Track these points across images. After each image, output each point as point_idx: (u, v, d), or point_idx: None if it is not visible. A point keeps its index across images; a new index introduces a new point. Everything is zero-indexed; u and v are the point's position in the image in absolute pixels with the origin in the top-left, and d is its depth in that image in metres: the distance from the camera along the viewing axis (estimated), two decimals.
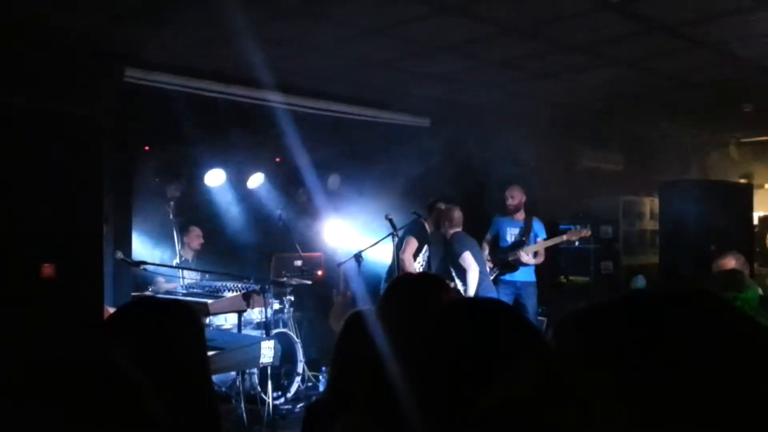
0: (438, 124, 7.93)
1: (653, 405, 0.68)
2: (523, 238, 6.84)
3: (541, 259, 6.83)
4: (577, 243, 7.48)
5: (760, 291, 4.16)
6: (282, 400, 6.09)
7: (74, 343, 3.37)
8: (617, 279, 9.02)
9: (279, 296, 6.51)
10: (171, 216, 6.79)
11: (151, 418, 0.90)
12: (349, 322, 2.28)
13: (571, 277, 8.89)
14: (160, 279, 6.34)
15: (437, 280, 2.35)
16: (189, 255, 6.89)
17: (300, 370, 6.32)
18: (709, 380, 0.68)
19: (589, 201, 9.26)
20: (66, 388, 0.83)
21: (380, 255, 6.81)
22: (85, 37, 5.41)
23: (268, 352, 4.65)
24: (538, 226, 6.95)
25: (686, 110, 8.77)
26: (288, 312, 6.65)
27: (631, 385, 0.70)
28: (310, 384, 6.55)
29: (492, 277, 6.66)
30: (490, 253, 6.94)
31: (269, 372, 5.31)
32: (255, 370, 5.54)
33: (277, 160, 7.49)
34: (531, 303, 6.77)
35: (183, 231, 6.89)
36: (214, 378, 5.27)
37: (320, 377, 6.57)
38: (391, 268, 6.45)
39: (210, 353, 4.01)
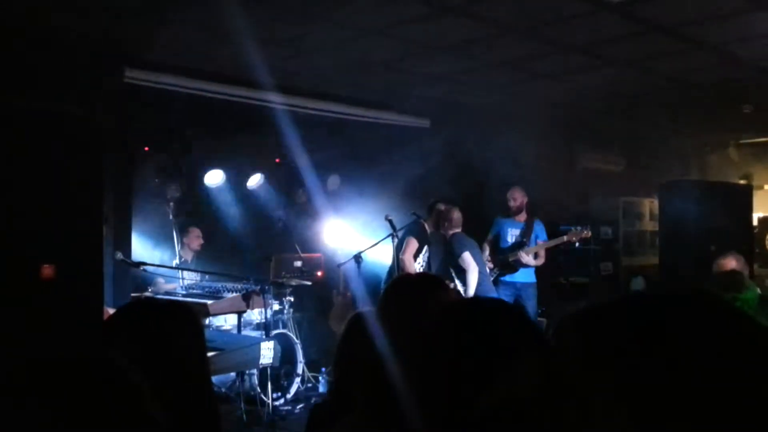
0: (438, 124, 7.93)
1: (653, 405, 0.68)
2: (524, 239, 6.84)
3: (541, 260, 6.83)
4: (577, 244, 7.48)
5: (759, 291, 4.16)
6: (282, 401, 6.09)
7: (74, 343, 3.37)
8: (617, 280, 9.02)
9: (279, 297, 6.50)
10: (171, 216, 6.79)
11: (149, 418, 0.90)
12: (351, 323, 2.28)
13: (571, 278, 8.89)
14: (160, 280, 6.34)
15: (436, 280, 2.35)
16: (189, 256, 6.88)
17: (300, 371, 6.31)
18: (708, 380, 0.68)
19: (589, 202, 9.26)
20: (65, 388, 0.83)
21: (380, 256, 6.82)
22: (85, 38, 5.41)
23: (267, 352, 4.66)
24: (539, 228, 6.95)
25: (686, 111, 8.77)
26: (288, 313, 6.65)
27: (631, 384, 0.70)
28: (309, 385, 6.55)
29: (492, 278, 6.66)
30: (491, 254, 6.94)
31: (269, 373, 5.31)
32: (255, 371, 5.54)
33: (277, 160, 7.49)
34: (531, 304, 6.76)
35: (183, 232, 6.89)
36: (214, 379, 5.26)
37: (320, 378, 6.57)
38: (391, 269, 6.45)
39: (210, 354, 4.00)
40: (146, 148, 6.60)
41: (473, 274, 6.10)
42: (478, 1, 4.83)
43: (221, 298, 5.60)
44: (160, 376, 1.63)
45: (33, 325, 3.56)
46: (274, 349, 4.77)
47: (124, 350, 1.66)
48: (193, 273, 6.57)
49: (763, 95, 7.66)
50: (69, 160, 3.94)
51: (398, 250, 6.30)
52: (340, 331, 2.37)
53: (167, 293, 6.09)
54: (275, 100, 6.35)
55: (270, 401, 5.37)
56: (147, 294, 5.99)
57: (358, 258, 6.15)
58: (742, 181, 10.76)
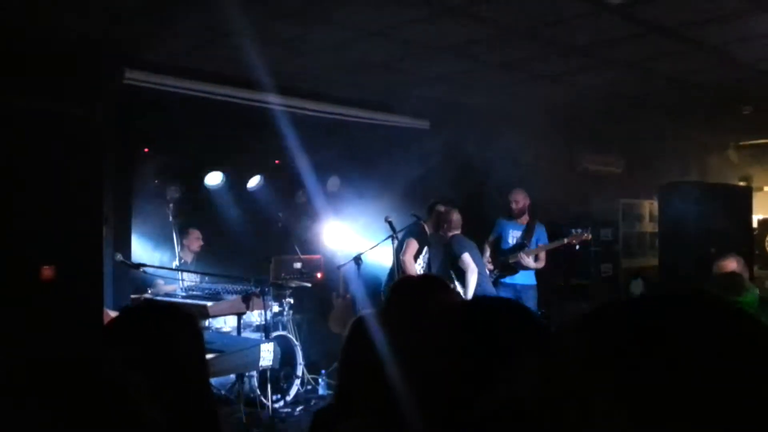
0: (438, 126, 7.94)
1: (653, 405, 0.68)
2: (524, 242, 6.84)
3: (542, 263, 6.82)
4: (577, 246, 7.49)
5: (758, 292, 4.16)
6: (281, 403, 6.08)
7: (74, 344, 3.37)
8: (617, 281, 9.02)
9: (278, 299, 6.50)
10: (170, 218, 6.78)
11: (147, 419, 0.90)
12: (354, 326, 2.28)
13: (571, 280, 8.89)
14: (160, 281, 6.33)
15: (439, 281, 2.36)
16: (188, 257, 6.88)
17: (299, 373, 6.31)
18: (709, 380, 0.68)
19: (589, 203, 9.27)
20: (64, 388, 0.83)
21: (380, 257, 6.82)
22: (86, 39, 5.41)
23: (267, 354, 4.66)
24: (540, 230, 6.95)
25: (686, 112, 8.77)
26: (287, 315, 6.64)
27: (631, 385, 0.70)
28: (309, 387, 6.54)
29: (492, 279, 6.66)
30: (491, 255, 6.95)
31: (268, 375, 5.31)
32: (254, 373, 5.53)
33: (277, 162, 7.49)
34: (531, 306, 6.76)
35: (182, 233, 6.89)
36: (214, 381, 5.27)
37: (320, 380, 6.57)
38: (391, 271, 6.45)
39: (209, 356, 4.01)
40: (146, 149, 6.60)
41: (472, 276, 6.10)
42: (478, 2, 4.83)
43: (221, 299, 5.60)
44: (160, 379, 1.63)
45: (33, 326, 3.56)
46: (274, 351, 4.77)
47: (123, 353, 1.66)
48: (192, 274, 6.57)
49: (763, 96, 7.67)
50: (69, 160, 3.94)
51: (398, 251, 6.31)
52: (344, 334, 2.37)
53: (167, 295, 6.08)
54: (275, 101, 6.35)
55: (270, 403, 5.37)
56: (146, 295, 5.99)
57: (357, 260, 6.16)
58: (741, 183, 10.77)
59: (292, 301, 6.70)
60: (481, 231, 7.03)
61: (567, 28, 5.38)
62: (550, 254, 7.01)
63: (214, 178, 7.15)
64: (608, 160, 10.06)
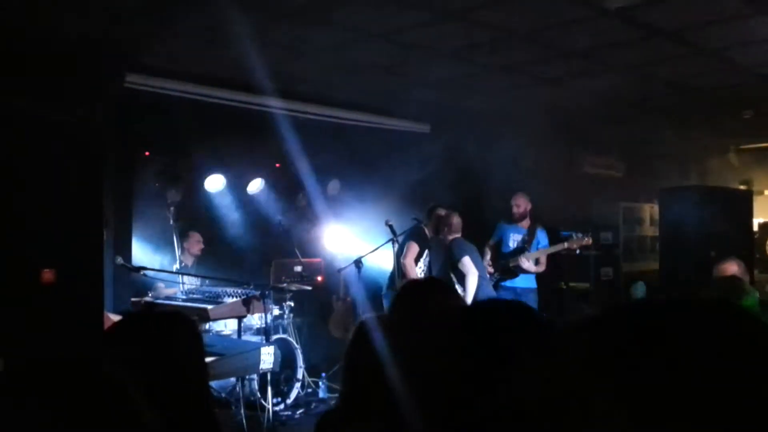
0: (438, 129, 7.94)
1: (654, 405, 0.68)
2: (525, 245, 6.84)
3: (542, 267, 6.82)
4: (578, 251, 7.49)
5: (758, 296, 4.16)
6: (282, 406, 6.08)
7: (74, 347, 3.37)
8: (617, 285, 9.02)
9: (279, 302, 6.50)
10: (171, 221, 6.78)
11: (145, 420, 0.90)
12: (358, 330, 2.29)
13: (571, 283, 8.89)
14: (160, 284, 6.33)
15: (444, 285, 2.36)
16: (189, 261, 6.88)
17: (300, 376, 6.30)
18: (709, 380, 0.68)
19: (590, 207, 9.27)
20: (61, 389, 0.83)
21: (380, 261, 6.82)
22: (86, 42, 5.42)
23: (267, 357, 4.65)
24: (541, 235, 6.95)
25: (686, 116, 8.78)
26: (288, 318, 6.64)
27: (631, 385, 0.71)
28: (310, 390, 6.54)
29: (492, 283, 6.66)
30: (492, 259, 6.95)
31: (269, 378, 5.30)
32: (255, 376, 5.53)
33: (277, 165, 7.49)
34: None
35: (183, 236, 6.88)
36: (214, 384, 5.26)
37: (320, 383, 6.56)
38: (392, 274, 6.45)
39: (210, 359, 4.00)
40: (146, 153, 6.61)
41: (472, 279, 6.10)
42: (479, 6, 4.84)
43: (221, 303, 5.59)
44: (160, 381, 1.64)
45: (34, 329, 3.56)
46: (274, 354, 4.76)
47: (124, 357, 1.66)
48: (193, 278, 6.57)
49: (763, 100, 7.68)
50: (69, 163, 3.94)
51: (399, 254, 6.31)
52: (348, 337, 2.37)
53: (167, 298, 6.08)
54: (275, 104, 6.36)
55: (270, 406, 5.36)
56: (147, 299, 5.99)
57: (358, 263, 6.15)
58: (742, 187, 10.77)
59: (292, 304, 6.69)
60: (482, 234, 7.03)
61: (567, 31, 5.39)
62: (550, 258, 7.01)
63: (214, 182, 7.15)
64: (609, 164, 10.07)
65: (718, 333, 0.72)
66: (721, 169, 11.26)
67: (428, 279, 5.24)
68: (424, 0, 4.70)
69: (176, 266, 6.72)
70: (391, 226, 6.12)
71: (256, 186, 7.47)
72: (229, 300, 5.62)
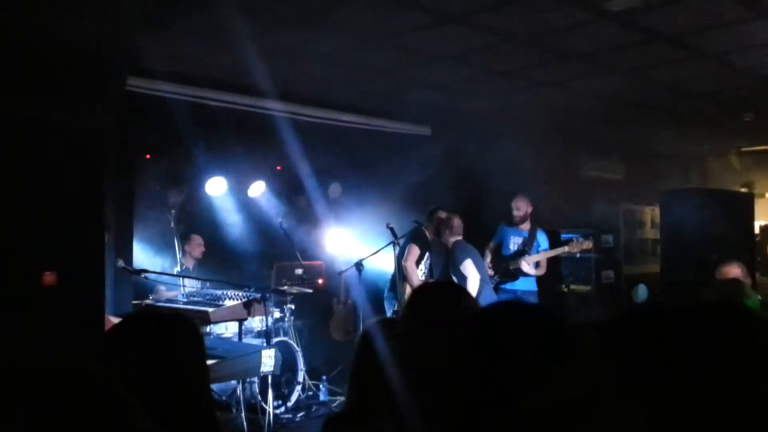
0: (439, 132, 7.95)
1: (666, 405, 0.69)
2: (525, 248, 6.84)
3: (542, 270, 6.82)
4: (578, 254, 7.48)
5: (760, 298, 4.15)
6: (282, 409, 6.08)
7: (75, 351, 3.37)
8: (618, 288, 9.01)
9: (280, 305, 6.50)
10: (172, 224, 6.79)
11: (141, 422, 0.89)
12: (366, 333, 2.29)
13: (572, 287, 8.88)
14: (161, 287, 6.34)
15: (459, 288, 2.36)
16: (190, 263, 6.88)
17: (301, 378, 6.30)
18: (709, 380, 0.69)
19: (590, 209, 9.26)
20: (53, 390, 0.82)
21: (381, 264, 6.82)
22: (87, 46, 5.43)
23: (268, 360, 4.64)
24: (541, 237, 6.95)
25: (687, 119, 8.78)
26: (289, 320, 6.64)
27: (643, 386, 0.71)
28: (310, 393, 6.54)
29: (492, 285, 6.66)
30: (492, 261, 6.94)
31: (270, 381, 5.30)
32: (255, 379, 5.53)
33: (278, 168, 7.50)
34: None
35: (184, 239, 6.89)
36: (215, 387, 5.26)
37: (321, 386, 6.56)
38: (393, 277, 6.45)
39: (210, 362, 4.01)
40: (147, 156, 6.62)
41: (474, 282, 6.10)
42: (479, 9, 4.84)
43: (222, 305, 5.59)
44: (160, 383, 1.64)
45: (35, 332, 3.56)
46: (275, 356, 4.76)
47: (124, 358, 1.66)
48: (194, 280, 6.57)
49: (764, 103, 7.68)
50: (70, 167, 3.94)
51: (400, 257, 6.31)
52: (354, 340, 2.38)
53: (168, 301, 6.08)
54: (276, 107, 6.37)
55: (271, 409, 5.36)
56: (148, 301, 6.00)
57: (359, 266, 6.15)
58: (743, 189, 10.76)
59: (293, 307, 6.70)
60: (482, 237, 7.03)
61: (568, 35, 5.39)
62: (551, 261, 7.00)
63: (215, 184, 7.16)
64: (609, 167, 10.06)
65: (726, 335, 0.73)
66: (722, 171, 11.26)
67: (442, 282, 5.23)
68: (425, 3, 4.70)
69: (177, 269, 6.73)
70: (392, 229, 6.12)
71: (256, 189, 7.47)
72: (229, 303, 5.62)
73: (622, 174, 10.28)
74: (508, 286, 6.85)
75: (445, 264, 6.56)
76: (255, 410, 5.55)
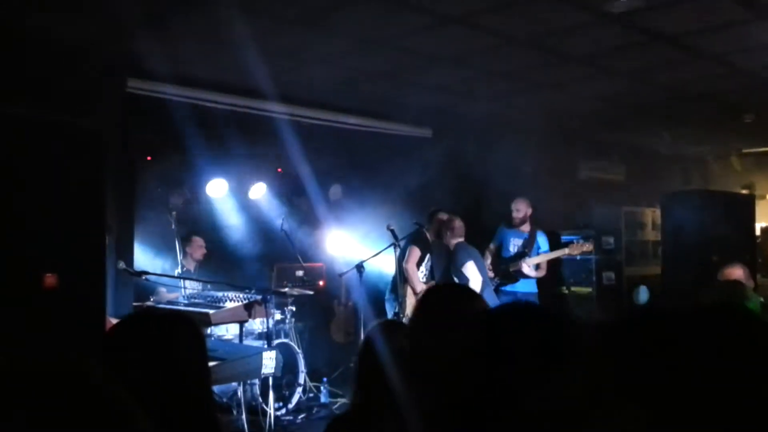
0: (440, 134, 7.95)
1: (655, 405, 0.70)
2: (525, 250, 6.84)
3: (542, 272, 6.82)
4: (578, 257, 7.48)
5: (761, 300, 4.15)
6: (283, 410, 6.08)
7: (76, 353, 3.37)
8: (619, 290, 9.00)
9: (280, 306, 6.50)
10: (173, 226, 6.79)
11: (139, 423, 0.89)
12: (370, 335, 2.29)
13: (573, 288, 8.87)
14: (162, 289, 6.34)
15: (470, 291, 2.36)
16: (191, 265, 6.88)
17: (301, 380, 6.30)
18: (709, 381, 0.70)
19: (591, 212, 9.25)
20: (49, 392, 0.82)
21: (382, 265, 6.82)
22: (88, 48, 5.44)
23: (269, 362, 4.64)
24: (541, 239, 6.95)
25: (687, 121, 8.78)
26: (289, 322, 6.64)
27: (632, 385, 0.72)
28: (311, 395, 6.54)
29: (492, 287, 6.66)
30: (492, 263, 6.94)
31: (270, 382, 5.30)
32: (256, 381, 5.52)
33: (279, 170, 7.50)
34: None
35: (186, 241, 6.89)
36: (216, 389, 5.26)
37: (322, 388, 6.56)
38: (394, 279, 6.45)
39: (211, 364, 4.00)
40: (149, 158, 6.62)
41: (475, 284, 6.09)
42: (479, 11, 4.85)
43: (223, 307, 5.59)
44: (160, 383, 1.63)
45: (36, 334, 3.56)
46: (276, 358, 4.76)
47: (124, 361, 1.66)
48: (194, 282, 6.57)
49: (765, 105, 7.68)
50: (71, 168, 3.95)
51: (401, 259, 6.31)
52: (360, 343, 2.38)
53: (169, 302, 6.09)
54: (278, 109, 6.38)
55: (271, 411, 5.36)
56: (149, 303, 6.00)
57: (360, 267, 6.15)
58: (744, 191, 10.76)
59: (294, 308, 6.69)
60: (482, 238, 7.03)
61: (568, 37, 5.39)
62: (551, 263, 7.00)
63: (216, 186, 7.16)
64: (610, 168, 10.06)
65: (726, 337, 0.73)
66: (723, 173, 11.26)
67: (454, 284, 5.22)
68: (425, 5, 4.70)
69: (178, 271, 6.73)
70: (392, 231, 6.12)
71: (257, 191, 7.48)
72: (230, 304, 5.62)
73: (623, 175, 10.28)
74: (509, 287, 6.85)
75: (446, 266, 6.56)
76: (256, 412, 5.54)
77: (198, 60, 5.78)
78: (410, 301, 6.37)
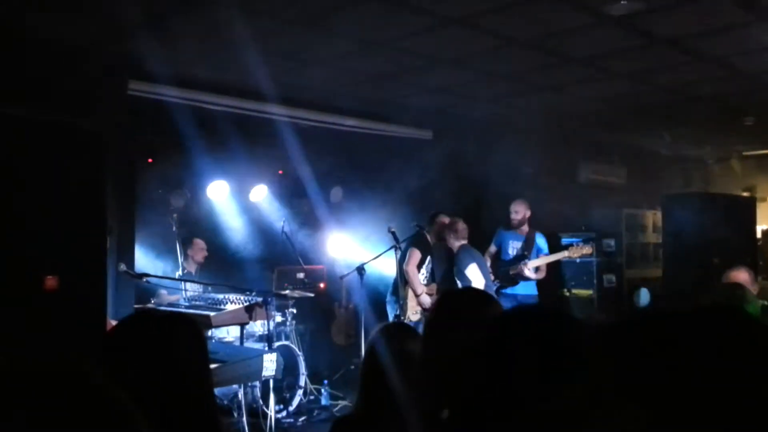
0: (440, 136, 7.95)
1: (655, 405, 0.70)
2: (525, 252, 6.83)
3: (542, 274, 6.81)
4: (578, 259, 7.47)
5: (762, 304, 4.15)
6: (284, 413, 6.08)
7: (76, 355, 3.37)
8: (620, 292, 9.00)
9: (281, 309, 6.50)
10: (174, 228, 6.79)
11: (137, 425, 0.89)
12: (376, 337, 2.30)
13: (574, 291, 8.87)
14: (163, 291, 6.34)
15: (486, 295, 2.36)
16: (192, 268, 6.88)
17: (302, 383, 6.30)
18: (709, 381, 0.70)
19: (592, 214, 9.26)
20: (48, 393, 0.82)
21: (382, 268, 6.82)
22: (90, 50, 5.44)
23: (270, 364, 4.64)
24: (540, 241, 6.94)
25: (688, 123, 8.78)
26: (290, 324, 6.64)
27: (632, 386, 0.72)
28: (312, 397, 6.53)
29: (493, 290, 6.65)
30: (492, 266, 6.94)
31: (271, 385, 5.30)
32: (257, 383, 5.52)
33: (280, 172, 7.51)
34: None
35: (187, 243, 6.89)
36: (216, 391, 5.25)
37: (322, 390, 6.56)
38: (395, 281, 6.45)
39: (212, 366, 4.00)
40: (150, 160, 6.63)
41: (478, 287, 6.09)
42: (480, 13, 4.85)
43: (224, 309, 5.59)
44: (162, 386, 1.63)
45: (36, 336, 3.57)
46: (277, 361, 4.75)
47: (124, 361, 1.66)
48: (195, 284, 6.57)
49: (766, 107, 7.68)
50: (72, 170, 3.95)
51: (401, 261, 6.31)
52: (366, 344, 2.38)
53: (170, 305, 6.09)
54: (279, 111, 6.38)
55: (272, 413, 5.36)
56: (150, 305, 6.00)
57: (360, 270, 6.15)
58: (745, 193, 10.76)
59: (294, 311, 6.70)
60: (483, 241, 7.03)
61: (569, 39, 5.40)
62: (551, 265, 7.00)
63: (217, 189, 7.16)
64: (610, 171, 10.06)
65: (725, 337, 0.74)
66: (723, 175, 11.26)
67: (470, 288, 5.22)
68: (426, 7, 4.71)
69: (179, 273, 6.73)
70: (393, 233, 6.12)
71: (258, 193, 7.48)
72: (231, 307, 5.62)
73: (623, 178, 10.28)
74: (509, 290, 6.84)
75: (446, 268, 6.56)
76: (256, 414, 5.54)
77: (199, 62, 5.79)
78: (411, 304, 6.38)
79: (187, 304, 6.06)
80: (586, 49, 5.67)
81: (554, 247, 7.15)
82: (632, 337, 0.78)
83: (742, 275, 4.70)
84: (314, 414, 6.27)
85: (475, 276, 6.14)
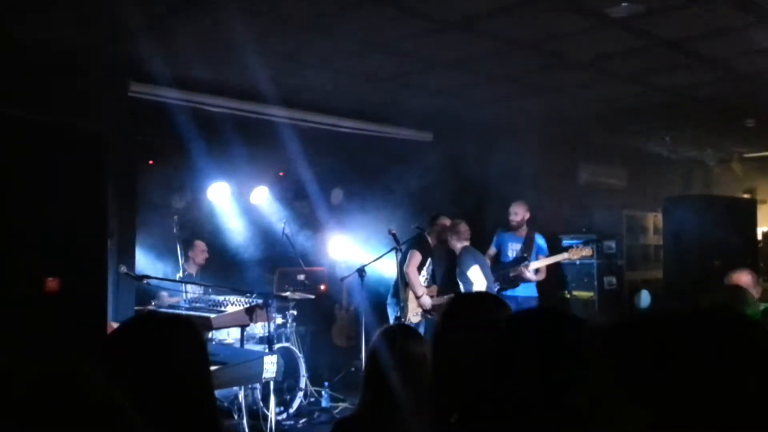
0: (441, 138, 7.95)
1: (655, 405, 0.70)
2: (525, 254, 6.83)
3: (542, 276, 6.81)
4: (577, 261, 7.47)
5: (762, 307, 4.14)
6: (284, 415, 6.07)
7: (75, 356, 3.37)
8: (621, 294, 9.00)
9: (282, 310, 6.50)
10: (175, 230, 6.79)
11: (135, 426, 0.89)
12: (379, 338, 2.30)
13: (575, 293, 8.87)
14: (163, 293, 6.34)
15: (496, 298, 2.37)
16: (193, 269, 6.88)
17: (302, 385, 6.30)
18: (709, 381, 0.71)
19: (592, 216, 9.26)
20: (47, 394, 0.82)
21: (383, 269, 6.82)
22: (90, 52, 5.45)
23: (270, 366, 4.64)
24: (540, 242, 6.94)
25: (689, 125, 8.78)
26: (291, 326, 6.64)
27: (632, 386, 0.73)
28: (312, 399, 6.53)
29: (494, 292, 6.65)
30: (492, 268, 6.93)
31: (272, 387, 5.30)
32: (257, 385, 5.52)
33: (281, 174, 7.51)
34: None
35: (187, 245, 6.89)
36: (217, 393, 5.24)
37: (323, 392, 6.56)
38: (395, 283, 6.45)
39: (212, 368, 4.00)
40: (150, 162, 6.63)
41: (480, 288, 6.09)
42: (480, 16, 4.85)
43: (224, 311, 5.59)
44: (163, 389, 1.63)
45: (36, 338, 3.57)
46: (277, 363, 4.75)
47: (126, 362, 1.66)
48: (196, 286, 6.57)
49: (766, 109, 7.67)
50: (73, 172, 3.96)
51: (402, 263, 6.30)
52: (370, 345, 2.39)
53: (170, 306, 6.08)
54: (279, 113, 6.39)
55: (272, 415, 5.35)
56: (150, 307, 5.99)
57: (361, 271, 6.15)
58: (745, 195, 10.76)
59: (295, 312, 6.69)
60: (483, 243, 7.03)
61: (569, 41, 5.40)
62: (552, 267, 6.99)
63: (218, 190, 7.17)
64: (611, 173, 10.06)
65: (725, 337, 0.74)
66: (724, 178, 11.26)
67: (482, 292, 5.22)
68: (426, 10, 4.71)
69: (179, 275, 6.73)
70: (394, 235, 6.12)
71: (259, 194, 7.48)
72: (232, 309, 5.62)
73: (624, 180, 10.28)
74: (509, 292, 6.83)
75: (447, 270, 6.56)
76: (257, 416, 5.54)
77: (199, 63, 5.80)
78: (412, 306, 6.38)
79: (187, 305, 6.05)
80: (586, 51, 5.67)
81: (554, 248, 7.15)
82: (633, 338, 0.78)
83: (744, 277, 4.69)
84: (315, 416, 6.27)
85: (477, 278, 6.14)
